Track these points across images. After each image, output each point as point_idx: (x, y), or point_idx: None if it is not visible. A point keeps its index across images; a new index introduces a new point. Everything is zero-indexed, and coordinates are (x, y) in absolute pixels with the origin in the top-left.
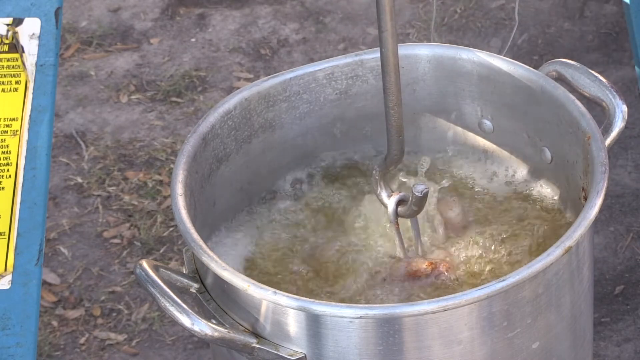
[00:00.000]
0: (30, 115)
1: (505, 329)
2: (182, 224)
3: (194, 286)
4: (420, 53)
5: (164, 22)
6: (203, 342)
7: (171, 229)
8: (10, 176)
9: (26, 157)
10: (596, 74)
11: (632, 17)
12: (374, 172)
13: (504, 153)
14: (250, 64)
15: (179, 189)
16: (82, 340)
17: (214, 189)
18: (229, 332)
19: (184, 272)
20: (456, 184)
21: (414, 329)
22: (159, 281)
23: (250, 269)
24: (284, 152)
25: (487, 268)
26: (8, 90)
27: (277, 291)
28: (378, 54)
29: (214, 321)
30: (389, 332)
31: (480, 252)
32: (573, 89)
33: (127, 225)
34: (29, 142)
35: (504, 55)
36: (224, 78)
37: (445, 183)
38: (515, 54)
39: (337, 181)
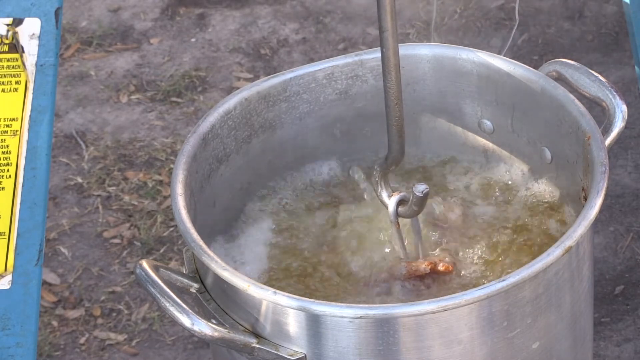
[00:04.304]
0: (30, 115)
1: (505, 329)
2: (182, 224)
3: (194, 286)
4: (421, 53)
5: (164, 22)
6: (203, 342)
7: (171, 229)
8: (10, 176)
9: (26, 157)
10: (596, 74)
11: (632, 17)
12: (374, 172)
13: (504, 153)
14: (250, 64)
15: (179, 189)
16: (82, 340)
17: (214, 189)
18: (229, 332)
19: (184, 272)
20: (456, 185)
21: (414, 329)
22: (159, 281)
23: (250, 269)
24: (284, 152)
25: (487, 268)
26: (8, 90)
27: (277, 291)
28: (378, 54)
29: (214, 321)
30: (389, 332)
31: (480, 252)
32: (573, 89)
33: (127, 225)
34: (29, 142)
35: (504, 55)
36: (224, 78)
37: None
38: (515, 54)
39: (337, 181)
